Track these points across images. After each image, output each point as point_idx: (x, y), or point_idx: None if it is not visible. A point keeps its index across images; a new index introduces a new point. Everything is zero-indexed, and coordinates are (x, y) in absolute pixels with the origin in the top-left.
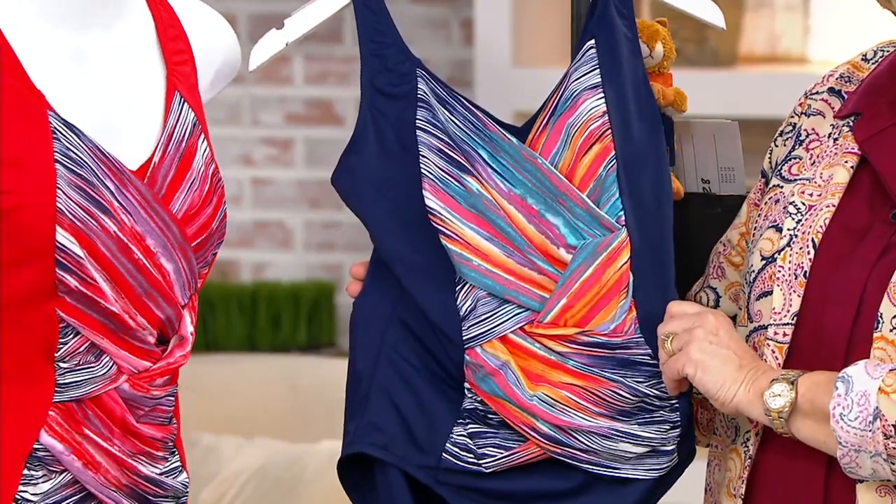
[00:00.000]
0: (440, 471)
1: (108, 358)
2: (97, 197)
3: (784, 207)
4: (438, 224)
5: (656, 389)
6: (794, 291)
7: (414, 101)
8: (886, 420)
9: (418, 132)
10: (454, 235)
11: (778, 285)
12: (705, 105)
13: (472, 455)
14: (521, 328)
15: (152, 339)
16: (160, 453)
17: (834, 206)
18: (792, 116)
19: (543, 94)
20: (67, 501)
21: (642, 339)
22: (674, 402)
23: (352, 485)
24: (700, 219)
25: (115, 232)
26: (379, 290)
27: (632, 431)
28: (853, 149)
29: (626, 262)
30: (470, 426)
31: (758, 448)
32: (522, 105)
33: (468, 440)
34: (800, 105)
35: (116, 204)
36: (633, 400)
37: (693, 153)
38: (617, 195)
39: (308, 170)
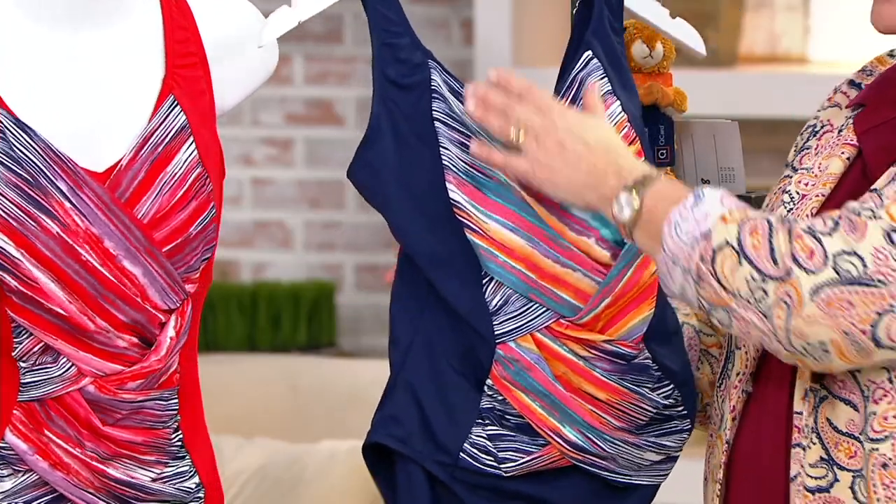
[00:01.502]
0: (457, 469)
1: (66, 359)
2: (38, 197)
3: (781, 197)
4: (463, 217)
5: (665, 399)
6: None
7: (428, 93)
8: (710, 243)
9: (437, 124)
10: (478, 229)
11: None
12: (705, 105)
13: (491, 458)
14: (546, 327)
15: (123, 343)
16: (149, 457)
17: (823, 195)
18: (819, 110)
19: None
20: (38, 502)
21: (644, 346)
22: (681, 409)
23: (376, 471)
24: None
25: (57, 233)
26: (408, 282)
27: (656, 441)
28: (852, 140)
29: (657, 269)
30: (489, 427)
31: (735, 433)
32: None
33: (488, 442)
34: (827, 100)
35: (68, 205)
36: (651, 412)
37: (693, 153)
38: None
39: (308, 170)
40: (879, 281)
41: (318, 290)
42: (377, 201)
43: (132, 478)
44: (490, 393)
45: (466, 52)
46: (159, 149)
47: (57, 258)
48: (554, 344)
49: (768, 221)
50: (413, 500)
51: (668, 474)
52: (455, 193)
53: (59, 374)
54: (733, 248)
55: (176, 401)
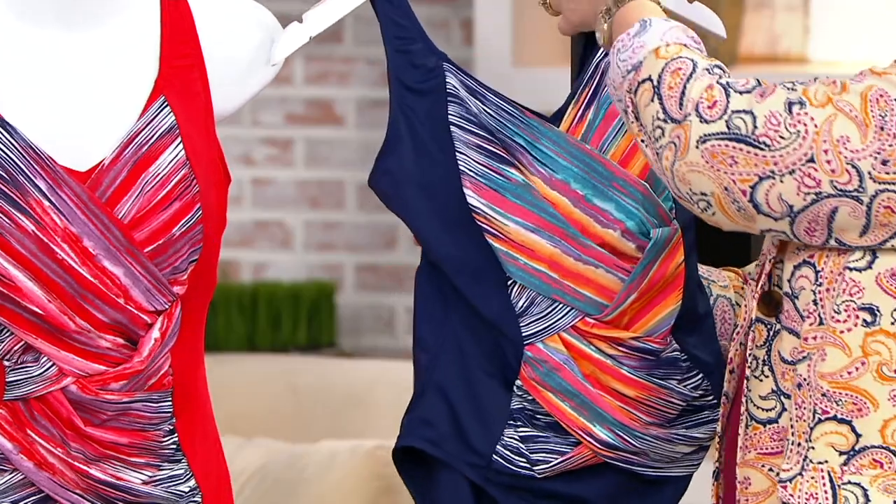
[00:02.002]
0: (490, 471)
1: (46, 359)
2: (15, 195)
3: None
4: (483, 223)
5: (694, 390)
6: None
7: (444, 97)
8: (639, 75)
9: (452, 129)
10: (499, 234)
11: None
12: None
13: (524, 459)
14: (573, 327)
15: (106, 343)
16: (138, 459)
17: None
18: None
19: (544, 94)
20: (25, 502)
21: (672, 338)
22: (711, 398)
23: (409, 476)
24: (700, 218)
25: (33, 231)
26: (433, 284)
27: (687, 434)
28: None
29: (683, 260)
30: (521, 429)
31: (733, 387)
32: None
33: (520, 444)
34: None
35: (46, 203)
36: (681, 405)
37: None
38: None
39: (308, 170)
40: (765, 143)
41: (318, 290)
42: (398, 208)
43: (119, 480)
44: (520, 394)
45: (466, 52)
46: (143, 149)
47: (33, 257)
48: (581, 343)
49: (694, 64)
50: None
51: (699, 464)
52: (473, 199)
53: (40, 374)
54: (653, 83)
55: (169, 403)
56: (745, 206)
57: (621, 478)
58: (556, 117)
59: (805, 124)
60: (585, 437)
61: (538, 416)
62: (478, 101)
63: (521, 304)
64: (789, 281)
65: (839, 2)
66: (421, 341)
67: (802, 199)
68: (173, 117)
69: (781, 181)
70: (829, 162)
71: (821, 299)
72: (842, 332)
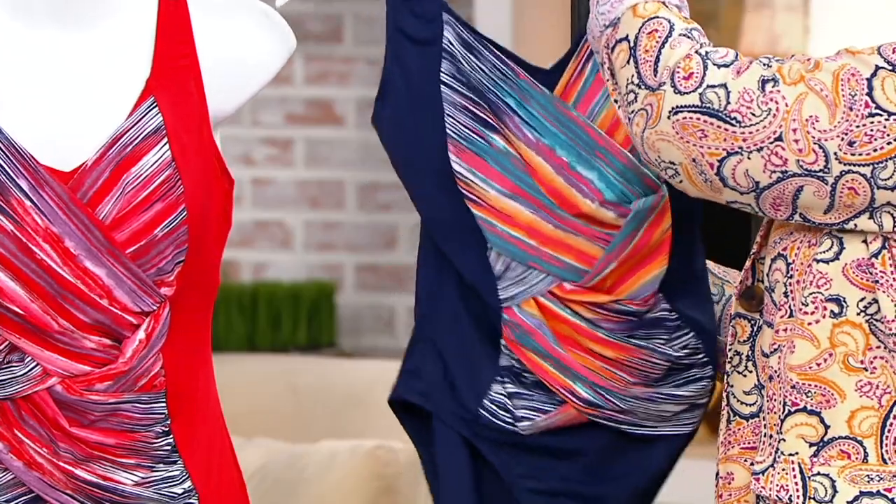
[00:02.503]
0: (479, 425)
1: (31, 359)
2: None
3: None
4: (464, 188)
5: (681, 350)
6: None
7: (438, 50)
8: (616, 32)
9: (442, 87)
10: (478, 199)
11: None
12: None
13: (509, 415)
14: (549, 291)
15: (90, 344)
16: (127, 460)
17: None
18: None
19: None
20: (17, 501)
21: (662, 297)
22: (701, 356)
23: (411, 427)
24: (702, 214)
25: (12, 231)
26: (429, 244)
27: (673, 393)
28: None
29: (669, 226)
30: (508, 385)
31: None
32: None
33: (506, 400)
34: None
35: (28, 203)
36: (665, 365)
37: None
38: None
39: (308, 170)
40: (735, 120)
41: (318, 290)
42: (395, 158)
43: (107, 480)
44: (507, 352)
45: None
46: (127, 149)
47: (13, 257)
48: (557, 307)
49: (671, 26)
50: (452, 465)
51: (695, 424)
52: (457, 163)
53: (24, 374)
54: (629, 43)
55: (162, 405)
56: (711, 179)
57: (610, 434)
58: (558, 68)
59: (777, 102)
60: (568, 395)
61: (525, 375)
62: (472, 58)
63: (498, 268)
64: (768, 275)
65: (839, 2)
66: (418, 294)
67: (769, 177)
68: (161, 118)
69: (749, 158)
70: (796, 141)
71: (791, 291)
72: (810, 323)
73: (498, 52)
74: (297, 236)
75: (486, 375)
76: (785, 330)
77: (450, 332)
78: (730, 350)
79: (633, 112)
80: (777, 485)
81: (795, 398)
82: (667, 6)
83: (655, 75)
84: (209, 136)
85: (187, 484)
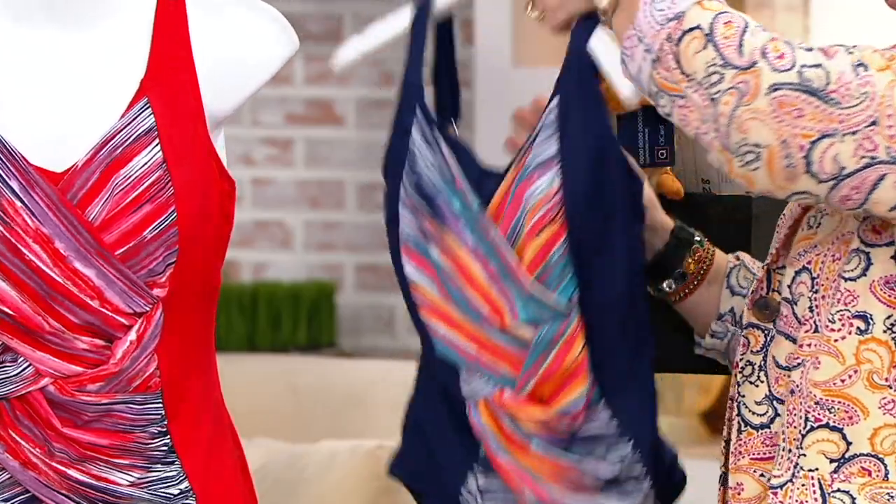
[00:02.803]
0: None
1: (24, 359)
2: None
3: None
4: (412, 290)
5: (617, 462)
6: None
7: (405, 148)
8: (681, 24)
9: (401, 187)
10: (423, 301)
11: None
12: None
13: None
14: (493, 397)
15: (83, 345)
16: (122, 461)
17: None
18: None
19: (544, 94)
20: (13, 501)
21: (600, 412)
22: (638, 471)
23: (411, 491)
24: (700, 219)
25: (2, 232)
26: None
27: (613, 501)
28: None
29: (582, 350)
30: (481, 477)
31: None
32: (522, 105)
33: (478, 495)
34: None
35: (19, 204)
36: (601, 480)
37: (693, 153)
38: (569, 278)
39: (308, 170)
40: (834, 101)
41: (318, 290)
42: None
43: (101, 481)
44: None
45: (466, 52)
46: (118, 151)
47: (2, 257)
48: (499, 413)
49: (746, 20)
50: None
51: None
52: (407, 263)
53: (17, 374)
54: (703, 31)
55: (158, 406)
56: (796, 163)
57: None
58: (507, 170)
59: (872, 86)
60: (519, 495)
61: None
62: (430, 155)
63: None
64: (790, 286)
65: (839, 2)
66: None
67: (856, 162)
68: (153, 119)
69: (842, 141)
70: (890, 127)
71: (816, 307)
72: (836, 340)
73: (447, 155)
74: (297, 236)
75: (464, 465)
76: (809, 345)
77: (433, 415)
78: (741, 360)
79: (719, 92)
80: (796, 500)
81: (819, 414)
82: (725, 6)
83: (741, 56)
84: (205, 137)
85: (184, 485)
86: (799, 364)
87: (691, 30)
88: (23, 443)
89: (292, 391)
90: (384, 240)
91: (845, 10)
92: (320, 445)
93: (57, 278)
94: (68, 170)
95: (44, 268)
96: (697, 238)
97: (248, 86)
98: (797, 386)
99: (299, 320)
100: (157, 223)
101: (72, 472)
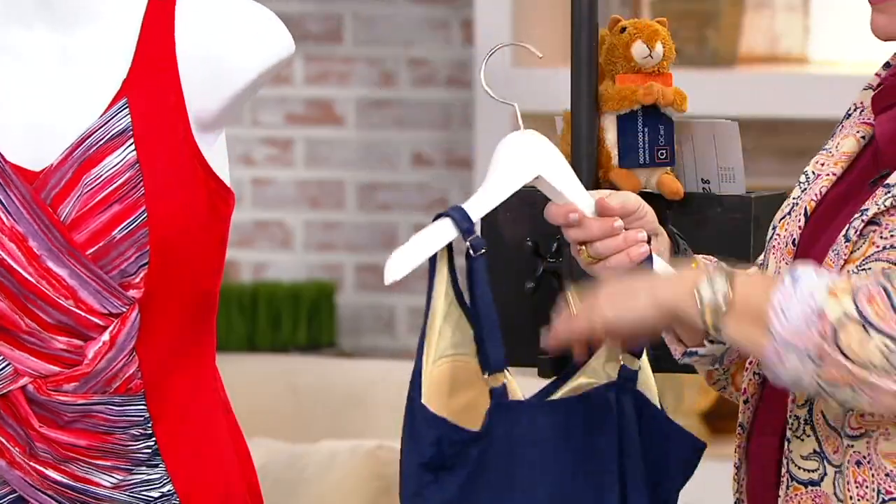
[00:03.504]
0: None
1: (3, 358)
2: None
3: (799, 178)
4: None
5: None
6: (784, 260)
7: None
8: (826, 320)
9: None
10: None
11: (773, 253)
12: (705, 105)
13: None
14: None
15: (59, 345)
16: (102, 462)
17: (835, 175)
18: (859, 92)
19: (543, 95)
20: (4, 500)
21: None
22: None
23: None
24: (700, 219)
25: None
26: None
27: None
28: (870, 119)
29: None
30: None
31: (749, 418)
32: (523, 106)
33: None
34: (869, 82)
35: None
36: None
37: (693, 153)
38: None
39: (308, 170)
40: None
41: (318, 290)
42: None
43: (80, 482)
44: None
45: (466, 53)
46: (91, 150)
47: None
48: None
49: (881, 286)
50: None
51: None
52: None
53: None
54: (855, 318)
55: (140, 408)
56: None
57: None
58: None
59: None
60: None
61: None
62: None
63: None
64: None
65: (839, 2)
66: None
67: None
68: (129, 119)
69: None
70: None
71: None
72: None
73: None
74: (297, 236)
75: None
76: (872, 415)
77: None
78: (790, 415)
79: None
80: None
81: (891, 487)
82: (848, 276)
83: None
84: (189, 139)
85: (167, 488)
86: (863, 434)
87: (842, 323)
88: (5, 442)
89: (292, 391)
90: (384, 239)
91: (845, 10)
92: (320, 445)
93: (30, 278)
94: (45, 169)
95: (17, 267)
96: (685, 248)
97: (230, 87)
98: (864, 457)
99: (299, 320)
100: (126, 223)
101: (50, 473)
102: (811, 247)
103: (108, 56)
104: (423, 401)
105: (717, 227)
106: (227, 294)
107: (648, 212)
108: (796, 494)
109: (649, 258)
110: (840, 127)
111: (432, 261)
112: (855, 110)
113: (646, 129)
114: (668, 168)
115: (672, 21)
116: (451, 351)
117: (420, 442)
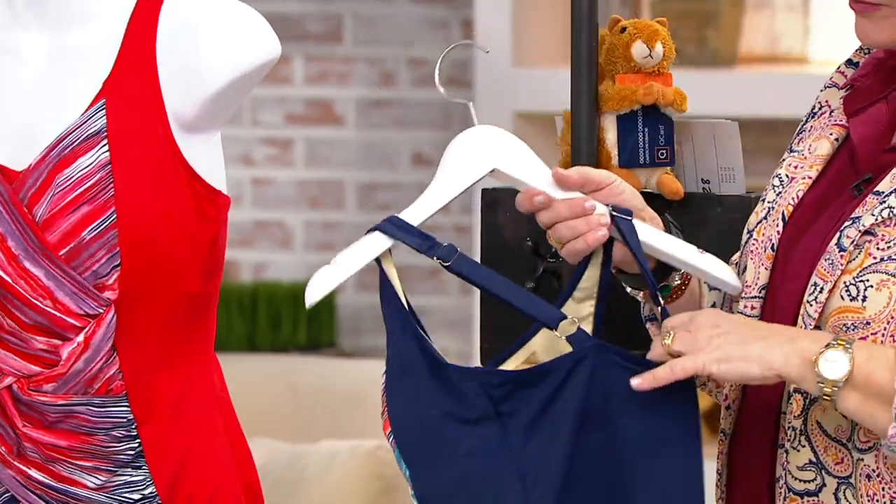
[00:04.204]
0: None
1: None
2: None
3: (772, 181)
4: None
5: None
6: (763, 265)
7: None
8: None
9: None
10: None
11: (751, 259)
12: (705, 105)
13: None
14: None
15: (39, 345)
16: (84, 463)
17: (811, 178)
18: (820, 91)
19: (543, 95)
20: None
21: None
22: None
23: None
24: (700, 219)
25: None
26: None
27: None
28: (842, 121)
29: None
30: None
31: (731, 424)
32: (523, 106)
33: None
34: (829, 79)
35: None
36: None
37: (693, 153)
38: None
39: (308, 170)
40: None
41: None
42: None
43: (64, 483)
44: None
45: (466, 53)
46: (66, 151)
47: None
48: None
49: None
50: None
51: None
52: None
53: None
54: None
55: (123, 409)
56: None
57: None
58: None
59: None
60: None
61: None
62: None
63: None
64: None
65: (839, 2)
66: None
67: None
68: (104, 120)
69: None
70: None
71: None
72: None
73: None
74: (297, 236)
75: None
76: None
77: None
78: (786, 426)
79: None
80: None
81: None
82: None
83: None
84: (168, 140)
85: (149, 490)
86: (871, 447)
87: None
88: None
89: (292, 391)
90: None
91: (845, 9)
92: (320, 445)
93: (7, 278)
94: (24, 169)
95: None
96: (677, 234)
97: (205, 89)
98: (874, 471)
99: (299, 320)
100: (95, 224)
101: (33, 473)
102: (791, 251)
103: (93, 57)
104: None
105: (717, 227)
106: (227, 294)
107: (626, 189)
108: None
109: (610, 241)
110: (808, 128)
111: (380, 266)
112: (820, 110)
113: (646, 129)
114: (668, 168)
115: (672, 21)
116: None
117: (461, 399)
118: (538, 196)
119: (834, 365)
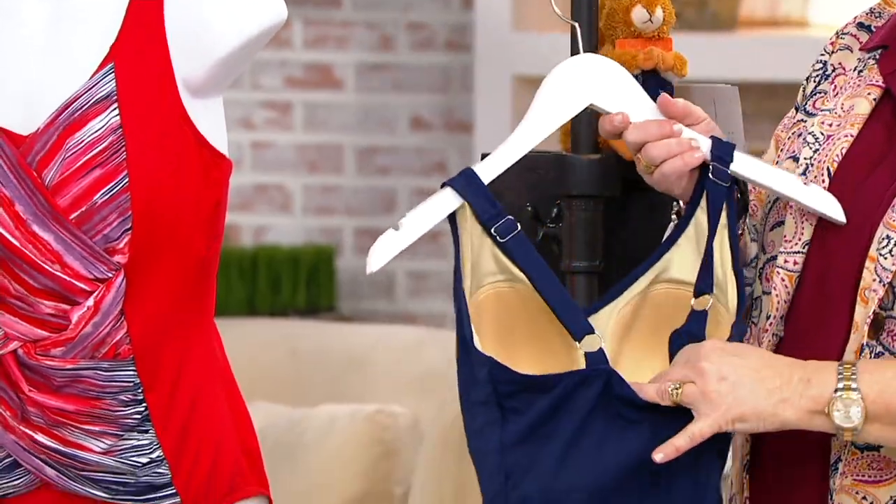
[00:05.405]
0: None
1: None
2: None
3: (804, 139)
4: None
5: None
6: (807, 219)
7: None
8: None
9: None
10: None
11: (791, 214)
12: (705, 69)
13: None
14: None
15: (47, 310)
16: (92, 427)
17: (852, 136)
18: (822, 55)
19: (544, 59)
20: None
21: None
22: None
23: None
24: None
25: None
26: None
27: None
28: (877, 81)
29: None
30: None
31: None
32: (522, 69)
33: None
34: (830, 44)
35: None
36: None
37: None
38: None
39: (307, 134)
40: None
41: (317, 254)
42: None
43: (69, 447)
44: None
45: (466, 17)
46: (76, 115)
47: None
48: None
49: None
50: None
51: None
52: None
53: None
54: None
55: (130, 373)
56: None
57: None
58: None
59: None
60: None
61: None
62: None
63: None
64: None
65: None
66: None
67: None
68: (114, 84)
69: None
70: None
71: None
72: None
73: None
74: (297, 200)
75: None
76: None
77: None
78: (842, 448)
79: None
80: None
81: None
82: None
83: None
84: (176, 103)
85: (156, 454)
86: None
87: None
88: None
89: (292, 355)
90: (383, 204)
91: None
92: (320, 409)
93: (16, 242)
94: (32, 133)
95: (4, 231)
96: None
97: (214, 53)
98: None
99: (299, 284)
100: (107, 188)
101: (40, 437)
102: (841, 205)
103: (99, 20)
104: (474, 341)
105: None
106: (227, 258)
107: (715, 128)
108: (853, 459)
109: (705, 167)
110: (828, 89)
111: (454, 226)
112: (834, 72)
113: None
114: None
115: None
116: (491, 279)
117: (474, 379)
118: (619, 118)
119: (847, 413)
